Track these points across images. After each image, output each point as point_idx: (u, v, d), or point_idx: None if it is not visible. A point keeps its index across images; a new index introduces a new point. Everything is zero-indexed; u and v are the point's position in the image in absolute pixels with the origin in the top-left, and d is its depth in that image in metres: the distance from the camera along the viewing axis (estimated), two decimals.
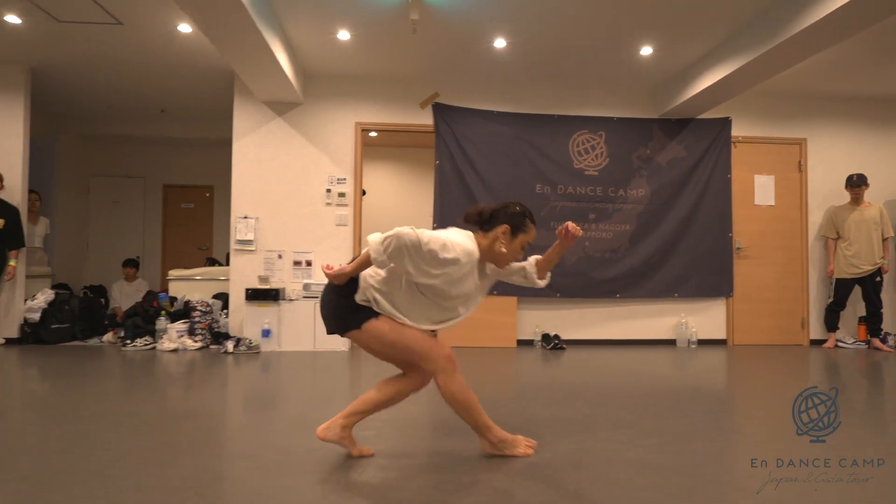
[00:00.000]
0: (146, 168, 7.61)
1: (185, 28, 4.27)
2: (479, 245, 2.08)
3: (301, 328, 4.91)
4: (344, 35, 4.41)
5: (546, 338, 5.26)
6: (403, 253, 1.88)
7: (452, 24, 4.21)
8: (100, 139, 7.27)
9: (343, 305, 2.05)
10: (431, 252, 1.89)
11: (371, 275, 2.05)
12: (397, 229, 1.88)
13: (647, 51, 4.66)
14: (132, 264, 6.50)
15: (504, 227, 2.08)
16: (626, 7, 3.96)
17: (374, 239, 1.92)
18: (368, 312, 2.04)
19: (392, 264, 1.93)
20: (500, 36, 4.45)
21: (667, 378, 4.01)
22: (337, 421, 2.12)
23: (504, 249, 2.08)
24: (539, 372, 4.15)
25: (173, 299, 5.26)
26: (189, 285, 5.51)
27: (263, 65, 4.22)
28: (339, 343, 4.92)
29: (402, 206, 7.54)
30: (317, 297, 4.94)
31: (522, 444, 2.17)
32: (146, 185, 7.60)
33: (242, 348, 4.68)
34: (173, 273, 5.58)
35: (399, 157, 7.73)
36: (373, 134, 6.52)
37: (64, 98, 5.94)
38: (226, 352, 4.64)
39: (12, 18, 4.13)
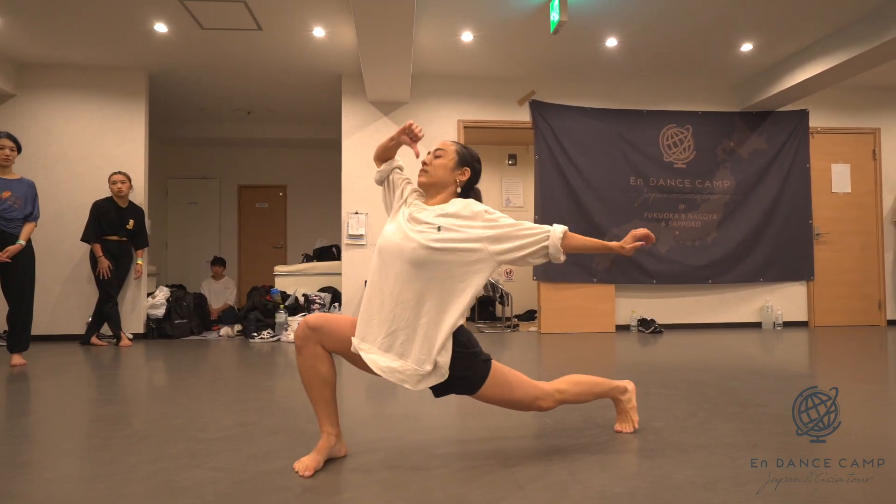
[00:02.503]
0: (222, 169, 7.78)
1: (318, 32, 4.48)
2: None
3: None
4: (467, 36, 4.64)
5: (644, 322, 5.52)
6: None
7: (576, 24, 4.45)
8: (181, 141, 7.45)
9: (471, 354, 1.82)
10: None
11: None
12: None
13: (747, 47, 4.93)
14: (220, 262, 6.68)
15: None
16: (737, 5, 4.21)
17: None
18: (484, 355, 1.87)
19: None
20: (613, 35, 4.70)
21: (754, 359, 4.29)
22: None
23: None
24: (642, 353, 4.41)
25: (284, 294, 5.46)
26: (294, 280, 5.71)
27: (399, 66, 4.44)
28: None
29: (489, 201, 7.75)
30: None
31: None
32: (222, 186, 7.77)
33: None
34: (279, 269, 5.78)
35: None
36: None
37: (162, 102, 6.11)
38: None
39: (160, 27, 4.31)
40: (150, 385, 3.42)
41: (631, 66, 5.36)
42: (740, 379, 3.20)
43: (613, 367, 3.77)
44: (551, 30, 4.07)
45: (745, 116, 5.81)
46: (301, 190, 7.88)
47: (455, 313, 1.77)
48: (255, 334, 5.03)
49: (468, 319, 7.02)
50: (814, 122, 5.92)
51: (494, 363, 1.87)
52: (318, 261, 6.18)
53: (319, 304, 5.22)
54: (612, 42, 4.80)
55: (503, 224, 1.86)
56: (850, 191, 5.97)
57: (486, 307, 6.71)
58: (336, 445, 1.84)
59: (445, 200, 1.97)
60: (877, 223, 5.98)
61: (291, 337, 4.98)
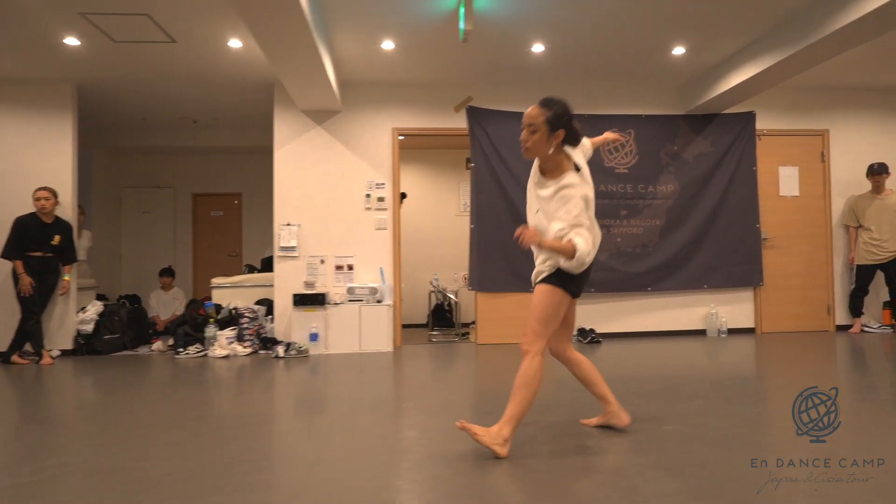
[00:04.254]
0: (175, 178, 7.74)
1: (235, 43, 4.40)
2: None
3: (347, 331, 5.06)
4: (388, 45, 4.55)
5: (583, 332, 5.42)
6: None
7: (495, 32, 4.35)
8: (131, 151, 7.41)
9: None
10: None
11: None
12: (579, 246, 2.15)
13: (679, 51, 4.82)
14: (168, 273, 6.63)
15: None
16: (662, 10, 4.11)
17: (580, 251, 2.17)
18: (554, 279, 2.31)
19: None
20: (539, 41, 4.60)
21: (694, 367, 4.19)
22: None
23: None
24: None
25: (218, 307, 5.40)
26: (231, 292, 5.65)
27: (313, 76, 4.36)
28: (383, 344, 5.08)
29: (430, 207, 7.66)
30: (361, 301, 5.14)
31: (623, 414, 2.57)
32: (176, 195, 7.73)
33: (293, 352, 4.83)
34: (216, 281, 5.72)
35: (423, 158, 7.85)
36: (400, 137, 6.68)
37: (100, 112, 6.05)
38: (277, 356, 4.79)
39: (71, 41, 4.25)
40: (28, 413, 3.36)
41: (567, 71, 5.26)
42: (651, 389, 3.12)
43: (550, 382, 3.66)
44: (460, 38, 3.97)
45: (689, 119, 5.70)
46: (256, 197, 7.80)
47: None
48: (182, 349, 4.97)
49: (424, 325, 6.94)
50: (761, 123, 5.80)
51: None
52: (266, 271, 6.12)
53: (249, 317, 5.15)
54: (538, 48, 4.70)
55: (561, 215, 2.21)
56: (798, 194, 5.85)
57: (444, 314, 6.63)
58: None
59: (560, 173, 2.28)
60: (826, 226, 5.85)
61: (219, 352, 4.93)
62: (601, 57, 4.93)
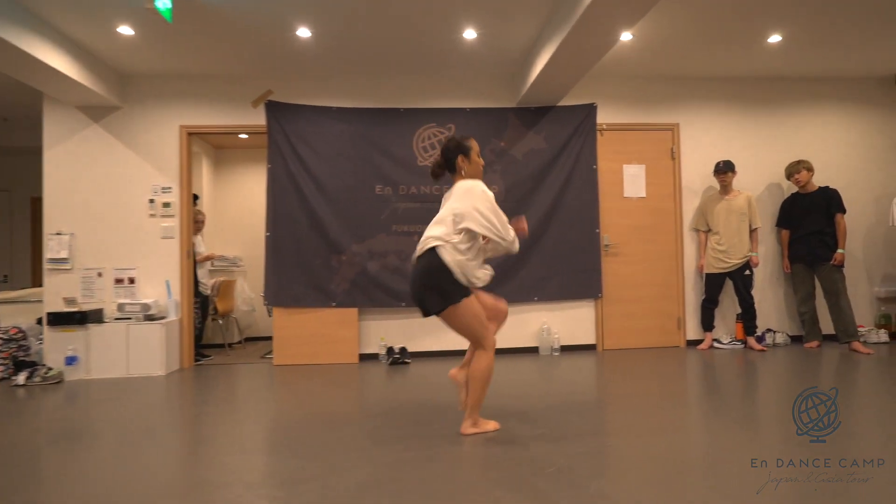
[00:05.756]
0: (11, 180, 7.18)
1: None
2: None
3: (113, 352, 4.51)
4: (126, 30, 3.99)
5: (391, 350, 4.86)
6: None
7: (244, 14, 3.79)
8: None
9: (447, 281, 2.50)
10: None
11: (460, 252, 2.55)
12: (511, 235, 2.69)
13: (470, 34, 4.24)
14: None
15: (460, 158, 2.74)
16: None
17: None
18: (466, 290, 2.55)
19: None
20: (303, 25, 4.03)
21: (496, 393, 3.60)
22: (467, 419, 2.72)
23: (471, 167, 2.75)
24: (370, 391, 3.75)
25: None
26: (14, 308, 5.11)
27: (31, 69, 3.82)
28: (156, 367, 4.53)
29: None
30: (131, 318, 4.59)
31: (491, 424, 2.75)
32: (12, 199, 7.18)
33: (37, 379, 4.27)
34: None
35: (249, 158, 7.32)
36: (243, 136, 6.14)
37: None
38: (16, 385, 4.23)
39: None
40: None
41: (370, 60, 4.68)
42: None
43: (339, 409, 3.07)
44: (168, 20, 3.41)
45: (520, 112, 5.12)
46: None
47: None
48: None
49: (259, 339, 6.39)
50: (603, 117, 5.22)
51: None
52: None
53: (2, 338, 4.60)
54: (304, 32, 4.13)
55: None
56: (645, 195, 5.26)
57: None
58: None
59: None
60: (676, 231, 5.27)
61: None
62: (384, 42, 4.35)
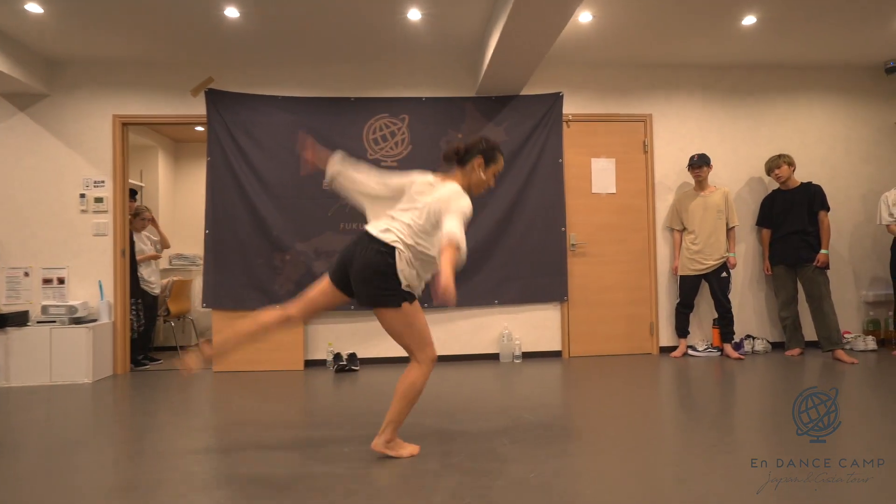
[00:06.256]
0: None
1: None
2: (459, 184, 2.42)
3: (36, 358, 4.19)
4: (34, 7, 3.67)
5: (338, 357, 4.52)
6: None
7: None
8: None
9: (392, 285, 2.28)
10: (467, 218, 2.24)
11: (409, 257, 2.30)
12: (460, 236, 2.11)
13: (415, 14, 3.90)
14: None
15: (479, 159, 2.48)
16: None
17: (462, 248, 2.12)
18: (410, 296, 2.33)
19: None
20: (230, 4, 3.70)
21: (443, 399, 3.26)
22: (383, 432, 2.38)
23: (483, 176, 2.48)
24: (309, 400, 3.40)
25: None
26: None
27: None
28: (81, 374, 4.20)
29: None
30: (55, 322, 4.26)
31: (409, 448, 2.43)
32: None
33: None
34: None
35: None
36: (199, 128, 5.82)
37: None
38: None
39: None
40: None
41: (316, 46, 4.35)
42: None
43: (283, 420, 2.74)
44: None
45: (479, 102, 4.77)
46: None
47: None
48: None
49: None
50: (570, 107, 4.87)
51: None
52: None
53: None
54: (232, 12, 3.80)
55: None
56: (615, 191, 4.91)
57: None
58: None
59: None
60: (649, 230, 4.91)
61: None
62: (324, 24, 4.01)
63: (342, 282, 2.40)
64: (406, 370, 2.37)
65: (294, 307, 2.45)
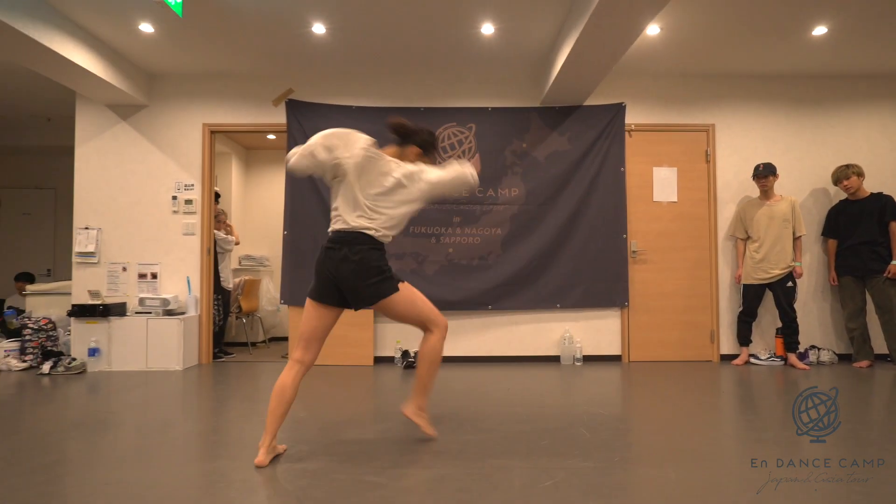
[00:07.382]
0: (57, 178, 7.50)
1: None
2: (389, 152, 2.48)
3: (133, 346, 4.58)
4: (146, 27, 4.06)
5: (406, 354, 4.74)
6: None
7: (256, 9, 3.79)
8: (6, 151, 7.22)
9: (386, 274, 2.39)
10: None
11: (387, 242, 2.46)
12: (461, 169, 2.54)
13: (488, 29, 4.11)
14: (25, 278, 6.35)
15: (416, 149, 2.53)
16: None
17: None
18: (397, 277, 2.45)
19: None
20: (318, 21, 4.00)
21: (491, 399, 3.44)
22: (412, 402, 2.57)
23: (413, 164, 2.49)
24: (379, 395, 3.65)
25: (21, 313, 5.04)
26: (46, 300, 5.28)
27: (57, 67, 3.94)
28: (173, 362, 4.57)
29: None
30: (150, 313, 4.65)
31: (431, 428, 2.63)
32: (57, 196, 7.49)
33: (60, 369, 4.38)
34: (30, 288, 5.36)
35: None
36: (271, 136, 6.21)
37: None
38: (41, 374, 4.35)
39: None
40: None
41: (387, 59, 4.62)
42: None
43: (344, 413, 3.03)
44: (179, 14, 3.43)
45: (544, 112, 4.94)
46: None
47: None
48: None
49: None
50: (633, 117, 4.98)
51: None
52: None
53: (32, 328, 4.74)
54: (319, 28, 4.09)
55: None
56: (676, 199, 4.97)
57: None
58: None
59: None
60: (710, 238, 4.95)
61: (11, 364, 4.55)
62: (400, 39, 4.27)
63: (332, 297, 2.37)
64: (423, 338, 2.53)
65: (300, 352, 2.37)
